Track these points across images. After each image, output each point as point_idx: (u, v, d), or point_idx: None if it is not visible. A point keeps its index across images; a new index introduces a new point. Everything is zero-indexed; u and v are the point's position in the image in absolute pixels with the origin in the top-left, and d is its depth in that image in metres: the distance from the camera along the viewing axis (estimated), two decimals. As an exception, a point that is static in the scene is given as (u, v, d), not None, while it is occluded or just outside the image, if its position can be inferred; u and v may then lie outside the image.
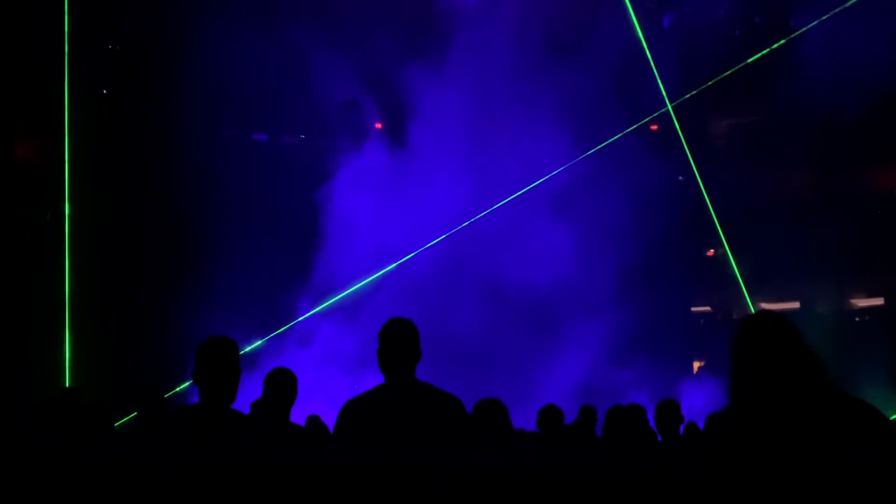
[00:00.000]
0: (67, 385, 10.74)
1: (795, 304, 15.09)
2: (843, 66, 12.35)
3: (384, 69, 13.29)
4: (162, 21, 13.07)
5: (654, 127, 14.93)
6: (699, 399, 12.79)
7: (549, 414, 6.08)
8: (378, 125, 14.65)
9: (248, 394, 4.86)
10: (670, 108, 14.07)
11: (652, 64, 13.75)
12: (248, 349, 12.09)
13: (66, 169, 11.74)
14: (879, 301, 15.35)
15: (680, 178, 16.23)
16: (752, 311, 13.68)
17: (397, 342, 3.37)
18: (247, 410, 4.58)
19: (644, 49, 13.76)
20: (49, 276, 11.48)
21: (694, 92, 13.99)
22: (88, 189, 12.03)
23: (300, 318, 13.16)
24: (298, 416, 5.18)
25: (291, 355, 12.32)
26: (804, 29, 13.39)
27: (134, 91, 13.05)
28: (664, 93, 13.98)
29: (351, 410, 3.36)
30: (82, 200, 11.94)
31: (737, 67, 13.94)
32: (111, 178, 12.40)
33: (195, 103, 12.42)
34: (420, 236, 13.44)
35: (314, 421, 6.50)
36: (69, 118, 11.76)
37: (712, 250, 16.52)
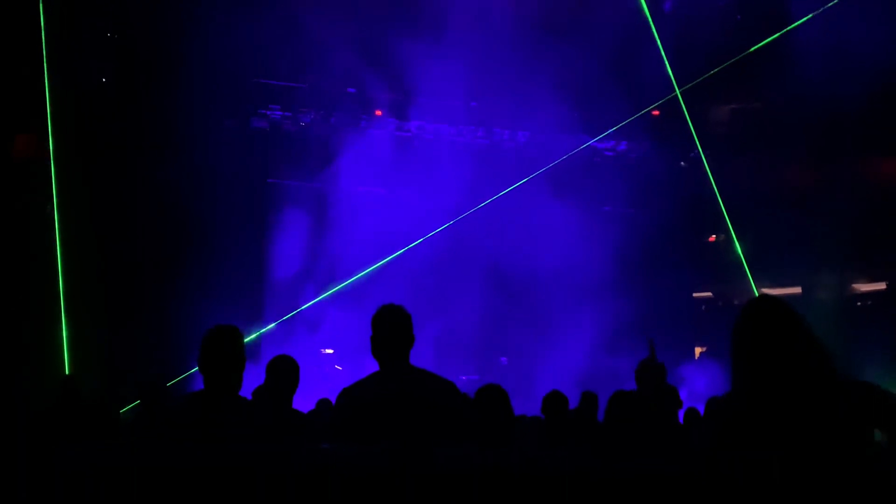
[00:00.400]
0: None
1: (797, 290, 15.08)
2: (847, 52, 12.27)
3: (385, 53, 13.22)
4: (160, 6, 13.01)
5: (656, 112, 14.88)
6: (701, 385, 12.81)
7: (554, 400, 6.12)
8: (378, 112, 14.62)
9: (252, 382, 4.88)
10: (678, 93, 14.00)
11: (661, 48, 13.65)
12: (250, 338, 12.10)
13: (52, 158, 11.68)
14: (881, 286, 15.34)
15: (682, 163, 16.22)
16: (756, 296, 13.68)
17: (391, 329, 3.38)
18: (249, 398, 4.60)
19: (653, 32, 13.64)
20: (42, 268, 11.44)
21: (703, 77, 13.90)
22: (81, 178, 11.98)
23: (303, 307, 13.17)
24: (306, 402, 5.20)
25: (295, 342, 12.34)
26: (810, 16, 13.28)
27: (132, 78, 13.00)
28: (672, 78, 13.90)
29: (348, 399, 3.37)
30: (74, 190, 11.90)
31: (745, 53, 13.85)
32: (106, 167, 12.35)
33: (192, 89, 12.38)
34: (421, 220, 13.42)
35: (324, 405, 6.54)
36: (53, 108, 11.70)
37: (714, 236, 16.50)
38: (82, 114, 12.27)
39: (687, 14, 14.21)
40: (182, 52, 11.94)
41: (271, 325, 12.92)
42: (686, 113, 14.10)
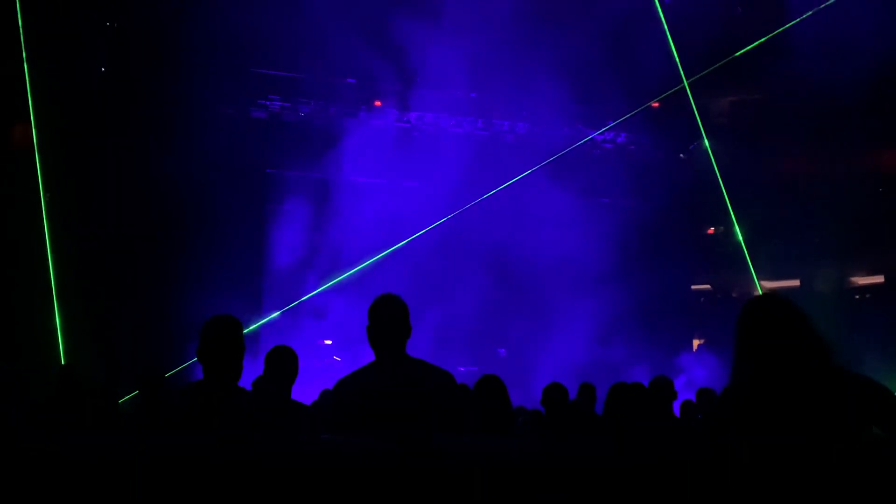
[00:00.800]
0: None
1: (796, 283, 15.11)
2: (847, 44, 12.24)
3: (384, 44, 13.18)
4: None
5: (656, 104, 14.85)
6: (700, 377, 12.84)
7: (554, 392, 6.12)
8: (377, 103, 14.58)
9: (251, 372, 4.88)
10: (686, 85, 13.94)
11: (669, 39, 13.57)
12: (249, 329, 12.10)
13: (36, 149, 11.63)
14: (879, 279, 15.35)
15: (681, 155, 16.21)
16: (759, 289, 13.72)
17: (388, 319, 3.37)
18: (249, 389, 4.61)
19: (662, 23, 13.53)
20: (33, 260, 11.37)
21: (712, 69, 13.84)
22: (77, 168, 11.95)
23: (302, 298, 13.15)
24: (305, 392, 5.21)
25: (294, 333, 12.33)
26: (810, 13, 13.22)
27: (131, 67, 12.95)
28: (681, 69, 13.83)
29: (344, 389, 3.37)
30: (70, 180, 11.87)
31: (751, 46, 13.78)
32: (104, 156, 12.32)
33: (191, 79, 12.34)
34: (420, 210, 13.39)
35: (327, 395, 6.56)
36: (38, 98, 11.65)
37: (713, 228, 16.51)
38: (79, 103, 12.23)
39: (687, 5, 14.14)
40: (181, 42, 11.89)
41: (272, 316, 12.91)
42: (693, 104, 14.05)
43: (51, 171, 11.84)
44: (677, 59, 13.77)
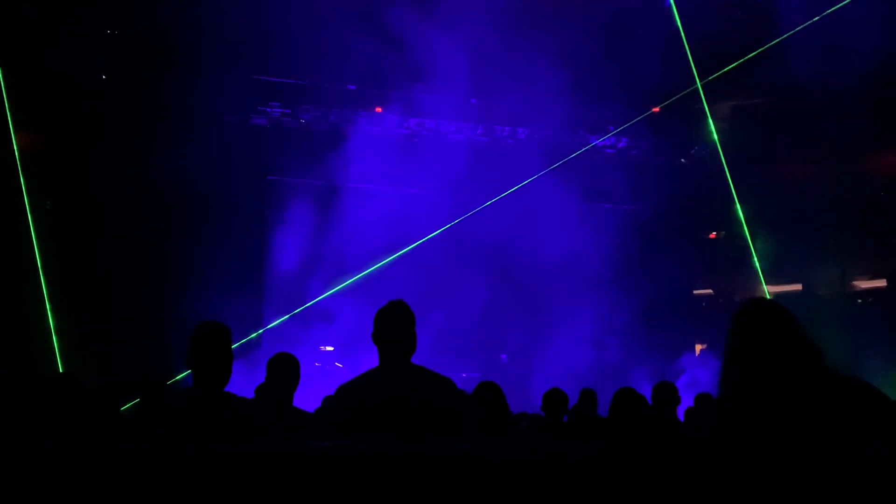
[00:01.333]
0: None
1: (798, 287, 15.09)
2: (849, 46, 12.24)
3: (384, 50, 13.20)
4: (160, 3, 13.01)
5: (656, 109, 14.86)
6: (702, 382, 12.83)
7: (554, 397, 6.12)
8: (378, 109, 14.60)
9: (253, 380, 4.88)
10: (699, 87, 13.92)
11: (685, 43, 13.55)
12: (250, 336, 12.09)
13: (17, 156, 11.63)
14: (882, 283, 15.33)
15: (682, 160, 16.22)
16: (766, 293, 13.72)
17: (391, 325, 3.37)
18: (251, 396, 4.61)
19: (678, 27, 13.50)
20: (26, 266, 11.38)
21: (723, 71, 13.82)
22: (78, 176, 11.97)
23: (303, 307, 13.15)
24: (309, 399, 5.21)
25: (295, 339, 12.33)
26: (815, 19, 13.22)
27: (132, 75, 12.98)
28: (695, 71, 13.81)
29: (345, 394, 3.37)
30: (71, 187, 11.88)
31: (759, 50, 13.77)
32: (105, 164, 12.34)
33: (192, 86, 12.35)
34: (422, 217, 13.38)
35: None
36: (16, 103, 11.65)
37: (714, 233, 16.51)
38: (78, 109, 12.26)
39: (687, 9, 14.13)
40: (182, 49, 11.93)
41: (275, 323, 12.91)
42: (706, 106, 14.04)
43: (50, 177, 11.86)
44: (692, 63, 13.74)
